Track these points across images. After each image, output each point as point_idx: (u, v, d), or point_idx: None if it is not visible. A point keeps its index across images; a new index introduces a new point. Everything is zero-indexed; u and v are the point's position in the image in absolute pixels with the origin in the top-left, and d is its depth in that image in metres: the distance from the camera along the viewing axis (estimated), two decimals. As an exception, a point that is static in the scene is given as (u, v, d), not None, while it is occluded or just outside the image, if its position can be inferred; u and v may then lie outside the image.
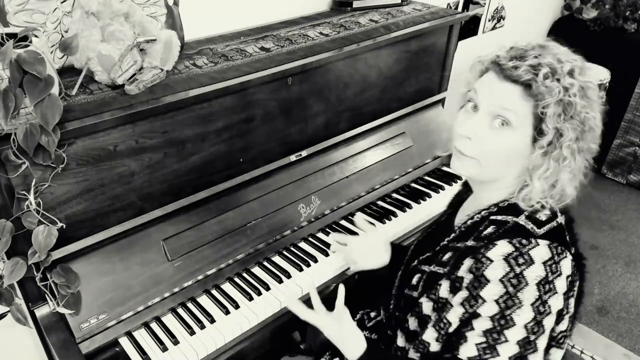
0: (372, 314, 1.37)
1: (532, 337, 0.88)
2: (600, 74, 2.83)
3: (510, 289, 0.87)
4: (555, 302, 0.89)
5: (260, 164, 1.51)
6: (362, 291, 1.50)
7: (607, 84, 2.83)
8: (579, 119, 0.90)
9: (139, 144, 1.25)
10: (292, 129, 1.57)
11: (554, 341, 0.95)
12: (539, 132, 0.91)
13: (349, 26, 1.73)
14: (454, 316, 0.95)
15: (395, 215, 1.68)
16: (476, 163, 0.96)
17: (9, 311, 1.21)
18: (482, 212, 1.00)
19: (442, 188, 1.81)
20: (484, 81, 0.96)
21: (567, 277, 0.90)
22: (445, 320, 0.96)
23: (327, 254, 1.49)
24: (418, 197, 1.76)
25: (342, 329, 1.11)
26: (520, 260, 0.88)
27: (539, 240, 0.90)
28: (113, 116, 1.15)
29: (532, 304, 0.87)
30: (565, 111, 0.89)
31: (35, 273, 1.13)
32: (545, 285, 0.88)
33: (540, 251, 0.89)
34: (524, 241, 0.89)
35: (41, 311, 1.21)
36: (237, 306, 1.33)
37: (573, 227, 0.99)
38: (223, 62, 1.43)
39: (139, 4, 1.36)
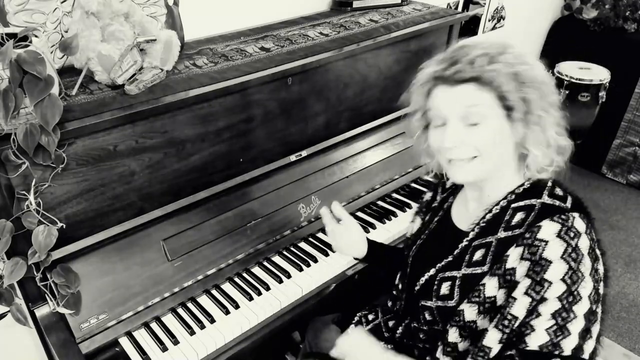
0: (370, 317, 1.35)
1: (594, 307, 0.89)
2: (600, 74, 2.83)
3: (573, 263, 0.88)
4: (601, 268, 0.92)
5: (260, 164, 1.51)
6: (360, 293, 1.50)
7: (607, 84, 2.83)
8: (532, 80, 0.95)
9: (139, 144, 1.25)
10: (292, 129, 1.57)
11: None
12: (508, 109, 0.95)
13: (349, 26, 1.73)
14: (520, 308, 0.91)
15: (395, 215, 1.68)
16: (480, 160, 0.99)
17: (9, 311, 1.21)
18: (501, 203, 1.02)
19: (442, 188, 1.81)
20: (438, 96, 1.00)
21: (597, 241, 0.95)
22: (509, 317, 0.92)
23: (327, 254, 1.49)
24: (418, 197, 1.76)
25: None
26: (571, 234, 0.90)
27: (573, 213, 0.92)
28: (113, 116, 1.15)
29: (590, 274, 0.89)
30: (519, 80, 0.94)
31: (35, 273, 1.13)
32: (592, 253, 0.91)
33: (579, 222, 0.92)
34: (563, 216, 0.91)
35: (41, 311, 1.21)
36: (237, 306, 1.33)
37: (580, 197, 1.02)
38: (223, 62, 1.43)
39: (139, 4, 1.36)
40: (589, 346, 0.89)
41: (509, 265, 0.94)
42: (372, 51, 1.66)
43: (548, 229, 0.91)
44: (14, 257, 1.12)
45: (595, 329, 0.90)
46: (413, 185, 1.84)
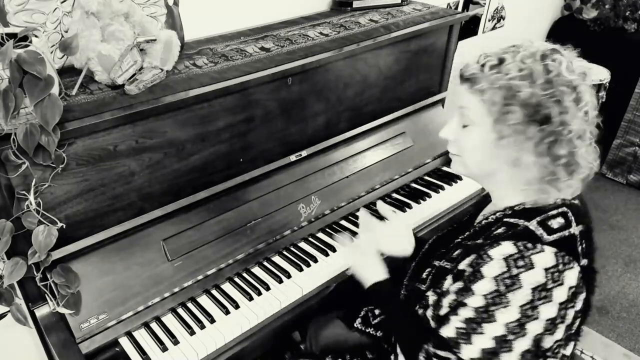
0: (377, 311, 1.37)
1: (511, 337, 0.89)
2: (600, 74, 2.83)
3: (502, 287, 0.89)
4: (548, 310, 0.89)
5: (260, 164, 1.51)
6: (360, 293, 1.50)
7: (607, 84, 2.83)
8: (522, 100, 0.90)
9: (139, 144, 1.25)
10: (292, 129, 1.57)
11: (549, 351, 0.94)
12: (500, 122, 0.93)
13: (349, 26, 1.73)
14: (446, 301, 0.99)
15: (395, 215, 1.68)
16: (460, 160, 1.04)
17: (9, 311, 1.21)
18: (497, 214, 1.03)
19: (442, 188, 1.81)
20: (454, 85, 1.03)
21: (570, 287, 0.90)
22: (440, 304, 1.00)
23: (327, 254, 1.49)
24: (418, 197, 1.76)
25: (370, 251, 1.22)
26: (520, 263, 0.89)
27: (545, 247, 0.90)
28: (113, 116, 1.15)
29: (521, 306, 0.88)
30: (508, 95, 0.91)
31: (35, 273, 1.13)
32: (542, 292, 0.88)
33: (544, 257, 0.89)
34: (529, 245, 0.90)
35: (41, 311, 1.21)
36: (237, 306, 1.33)
37: (592, 237, 0.98)
38: (223, 62, 1.43)
39: (139, 4, 1.36)
40: None
41: (461, 266, 0.98)
42: (372, 51, 1.66)
43: (502, 249, 0.91)
44: (14, 257, 1.12)
45: (506, 359, 0.89)
46: (413, 185, 1.84)
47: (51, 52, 1.26)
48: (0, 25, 1.14)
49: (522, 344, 0.89)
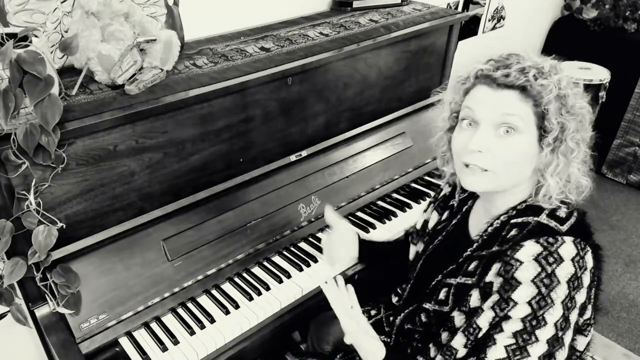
0: (373, 312, 1.37)
1: (561, 334, 0.89)
2: (600, 74, 2.83)
3: (543, 289, 0.88)
4: (580, 297, 0.91)
5: (260, 164, 1.51)
6: (362, 290, 1.50)
7: (607, 84, 2.83)
8: (575, 109, 0.94)
9: (139, 144, 1.25)
10: (292, 129, 1.57)
11: (579, 331, 0.96)
12: (543, 130, 0.93)
13: (349, 26, 1.73)
14: (484, 321, 0.94)
15: (395, 215, 1.68)
16: (492, 175, 0.95)
17: (9, 311, 1.21)
18: (502, 217, 1.00)
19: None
20: (477, 95, 0.96)
21: (591, 270, 0.93)
22: (475, 325, 0.95)
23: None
24: (418, 197, 1.76)
25: (359, 327, 1.10)
26: (551, 259, 0.88)
27: (565, 238, 0.91)
28: (113, 116, 1.15)
29: (563, 302, 0.88)
30: (563, 104, 0.92)
31: (35, 273, 1.13)
32: (575, 282, 0.89)
33: (568, 248, 0.90)
34: (550, 239, 0.90)
35: (41, 311, 1.21)
36: (237, 306, 1.33)
37: (586, 219, 1.00)
38: (223, 62, 1.43)
39: (139, 4, 1.36)
40: None
41: (488, 278, 0.95)
42: (372, 51, 1.66)
43: (528, 250, 0.90)
44: (14, 257, 1.12)
45: (561, 356, 0.89)
46: (413, 185, 1.84)
47: (51, 52, 1.26)
48: (0, 25, 1.14)
49: (569, 336, 0.90)
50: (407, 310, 1.18)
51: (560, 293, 0.88)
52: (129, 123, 1.20)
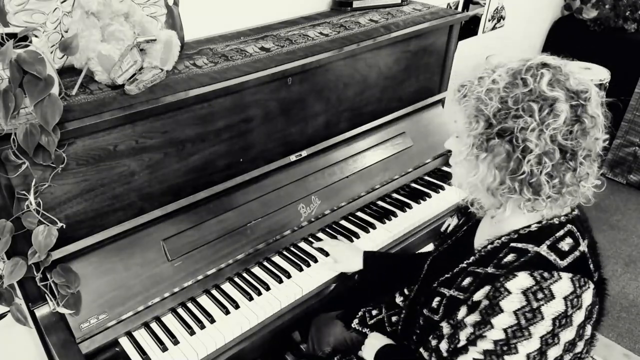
0: (374, 312, 1.37)
1: None
2: (600, 74, 2.83)
3: (523, 321, 0.88)
4: (567, 335, 0.89)
5: (260, 164, 1.51)
6: (362, 290, 1.51)
7: (607, 84, 2.83)
8: (487, 112, 0.89)
9: (139, 144, 1.25)
10: (292, 129, 1.57)
11: None
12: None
13: (349, 26, 1.73)
14: (463, 335, 0.97)
15: (395, 215, 1.68)
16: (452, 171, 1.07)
17: (9, 311, 1.20)
18: (503, 238, 0.99)
19: (442, 188, 1.81)
20: None
21: (587, 307, 0.90)
22: (457, 336, 0.98)
23: (327, 254, 1.49)
24: (418, 197, 1.76)
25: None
26: (540, 295, 0.87)
27: (562, 274, 0.88)
28: (113, 116, 1.15)
29: (542, 337, 0.87)
30: (476, 106, 0.91)
31: (35, 273, 1.13)
32: (562, 320, 0.87)
33: (563, 286, 0.87)
34: (545, 274, 0.88)
35: (41, 311, 1.21)
36: (237, 306, 1.32)
37: (596, 249, 0.98)
38: (223, 62, 1.43)
39: (139, 4, 1.35)
40: None
41: (476, 297, 0.96)
42: (372, 51, 1.66)
43: (519, 281, 0.89)
44: (14, 257, 1.12)
45: None
46: (413, 185, 1.84)
47: (51, 52, 1.26)
48: (0, 25, 1.14)
49: None
50: (408, 313, 1.20)
51: (540, 329, 0.87)
52: (129, 123, 1.20)
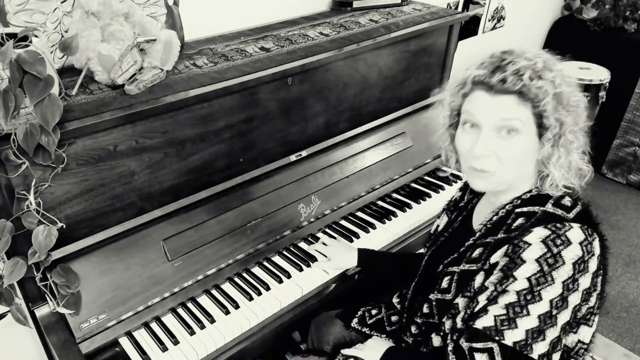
0: (373, 312, 1.38)
1: (555, 312, 0.90)
2: (600, 74, 2.83)
3: (546, 267, 0.90)
4: (584, 281, 0.92)
5: (260, 164, 1.51)
6: (362, 290, 1.51)
7: (607, 84, 2.83)
8: (570, 104, 0.96)
9: (139, 144, 1.25)
10: (292, 129, 1.57)
11: (583, 319, 0.97)
12: (543, 127, 0.96)
13: (349, 26, 1.73)
14: (483, 296, 0.96)
15: (395, 215, 1.68)
16: (499, 176, 1.00)
17: (9, 311, 1.20)
18: (507, 207, 1.03)
19: (442, 188, 1.81)
20: (476, 101, 0.99)
21: (598, 256, 0.94)
22: (476, 300, 0.98)
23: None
24: (418, 197, 1.76)
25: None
26: (558, 242, 0.91)
27: (572, 224, 0.93)
28: (113, 116, 1.15)
29: (564, 282, 0.90)
30: (560, 102, 0.95)
31: (35, 273, 1.13)
32: (581, 265, 0.91)
33: (576, 233, 0.92)
34: (558, 225, 0.93)
35: (41, 311, 1.21)
36: (237, 306, 1.33)
37: (591, 210, 1.02)
38: (223, 62, 1.43)
39: (139, 4, 1.36)
40: (538, 347, 0.90)
41: (493, 260, 0.98)
42: (372, 51, 1.66)
43: (537, 233, 0.93)
44: (14, 257, 1.12)
45: (551, 334, 0.90)
46: (413, 185, 1.84)
47: (51, 52, 1.26)
48: (0, 25, 1.14)
49: (564, 316, 0.91)
50: (410, 307, 1.20)
51: (562, 273, 0.90)
52: (129, 123, 1.20)
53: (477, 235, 1.06)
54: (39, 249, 1.09)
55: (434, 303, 1.10)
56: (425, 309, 1.13)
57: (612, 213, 2.98)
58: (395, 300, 1.36)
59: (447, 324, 1.06)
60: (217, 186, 1.41)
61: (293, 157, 1.57)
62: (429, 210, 1.71)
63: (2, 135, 1.02)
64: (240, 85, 1.34)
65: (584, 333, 1.00)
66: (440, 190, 1.80)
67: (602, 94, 2.82)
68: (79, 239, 1.20)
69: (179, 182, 1.36)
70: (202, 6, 1.61)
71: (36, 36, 1.07)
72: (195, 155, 1.37)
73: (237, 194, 1.45)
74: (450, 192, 1.79)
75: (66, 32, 1.28)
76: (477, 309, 0.97)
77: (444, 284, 1.08)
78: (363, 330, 1.35)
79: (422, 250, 1.32)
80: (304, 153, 1.59)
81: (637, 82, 2.98)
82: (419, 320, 1.15)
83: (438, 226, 1.27)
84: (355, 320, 1.37)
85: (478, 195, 1.19)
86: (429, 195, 1.78)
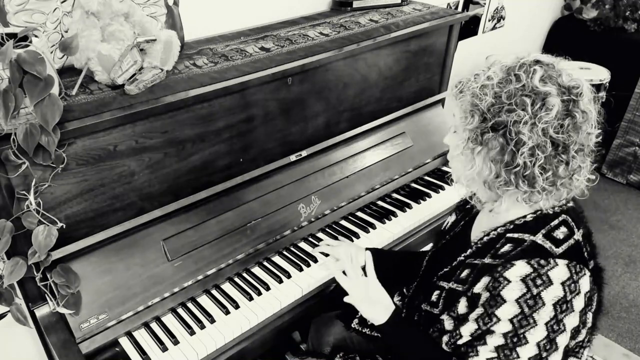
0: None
1: (544, 354, 0.89)
2: (600, 74, 2.83)
3: (526, 309, 0.89)
4: (571, 321, 0.90)
5: (260, 164, 1.51)
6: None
7: (607, 84, 2.83)
8: (482, 106, 0.92)
9: (139, 144, 1.25)
10: (292, 129, 1.57)
11: (571, 352, 0.97)
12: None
13: (349, 26, 1.73)
14: (466, 330, 0.97)
15: (395, 215, 1.67)
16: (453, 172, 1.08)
17: (9, 311, 1.20)
18: (498, 229, 1.01)
19: (442, 188, 1.81)
20: None
21: (586, 293, 0.92)
22: (458, 332, 0.98)
23: (327, 254, 1.49)
24: (418, 197, 1.76)
25: (368, 292, 1.17)
26: (538, 282, 0.89)
27: (558, 260, 0.90)
28: (113, 116, 1.15)
29: (547, 323, 0.88)
30: (472, 100, 0.94)
31: (35, 273, 1.13)
32: (563, 305, 0.89)
33: (559, 272, 0.90)
34: (542, 262, 0.90)
35: (41, 311, 1.21)
36: (237, 306, 1.33)
37: (592, 239, 0.99)
38: (223, 62, 1.43)
39: (139, 4, 1.36)
40: None
41: (476, 290, 0.97)
42: (372, 51, 1.66)
43: (517, 270, 0.91)
44: (14, 257, 1.12)
45: None
46: (413, 185, 1.84)
47: (51, 52, 1.26)
48: (0, 25, 1.14)
49: (555, 357, 0.90)
50: (408, 309, 1.20)
51: (544, 315, 0.88)
52: (129, 123, 1.20)
53: (468, 252, 1.06)
54: (39, 249, 1.09)
55: (422, 314, 1.12)
56: (415, 317, 1.15)
57: (612, 213, 2.98)
58: (396, 299, 1.36)
59: (435, 337, 1.07)
60: (217, 186, 1.41)
61: (293, 157, 1.57)
62: (429, 210, 1.71)
63: (2, 135, 1.02)
64: (240, 85, 1.34)
65: None
66: (440, 190, 1.80)
67: (602, 94, 2.82)
68: (79, 239, 1.20)
69: (179, 182, 1.36)
70: (202, 6, 1.61)
71: (36, 36, 1.07)
72: (195, 155, 1.37)
73: (237, 194, 1.45)
74: (451, 191, 1.79)
75: (66, 32, 1.28)
76: (460, 341, 0.98)
77: (434, 297, 1.09)
78: (363, 331, 1.35)
79: (426, 249, 1.32)
80: (304, 153, 1.59)
81: (637, 82, 2.98)
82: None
83: (447, 223, 1.27)
84: (356, 320, 1.37)
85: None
86: (429, 195, 1.78)
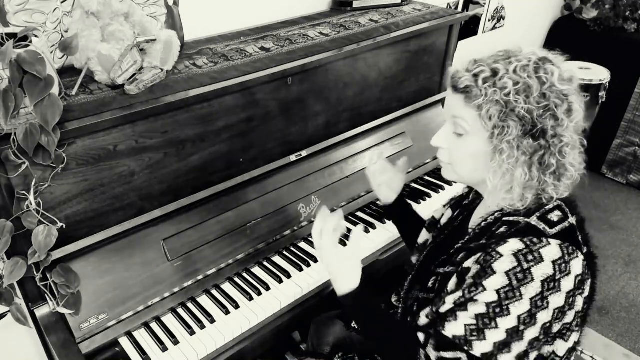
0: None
1: (522, 328, 0.90)
2: (600, 74, 2.83)
3: (515, 282, 0.90)
4: (556, 300, 0.91)
5: (260, 164, 1.51)
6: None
7: (607, 84, 2.83)
8: (520, 115, 0.91)
9: (139, 144, 1.25)
10: (292, 129, 1.57)
11: (558, 333, 0.97)
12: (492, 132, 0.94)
13: (349, 26, 1.73)
14: (450, 298, 0.97)
15: (395, 215, 1.67)
16: (451, 168, 1.05)
17: (9, 311, 1.20)
18: (496, 214, 1.03)
19: (442, 188, 1.81)
20: (447, 93, 1.02)
21: (577, 276, 0.93)
22: (443, 301, 0.99)
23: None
24: (418, 197, 1.76)
25: (341, 263, 1.09)
26: (530, 257, 0.90)
27: (551, 240, 0.92)
28: (113, 116, 1.15)
29: (532, 298, 0.89)
30: (506, 109, 0.91)
31: (35, 273, 1.13)
32: (551, 283, 0.90)
33: (551, 250, 0.91)
34: (535, 240, 0.92)
35: (41, 311, 1.21)
36: (237, 306, 1.33)
37: (584, 226, 1.01)
38: (223, 62, 1.43)
39: (139, 4, 1.36)
40: (504, 359, 0.91)
41: (466, 264, 0.98)
42: (372, 51, 1.66)
43: (510, 245, 0.92)
44: (14, 257, 1.12)
45: (517, 347, 0.91)
46: (413, 185, 1.84)
47: (51, 52, 1.26)
48: (0, 25, 1.14)
49: (532, 332, 0.91)
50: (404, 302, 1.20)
51: (531, 290, 0.89)
52: (129, 123, 1.20)
53: (466, 239, 1.07)
54: (39, 249, 1.09)
55: (416, 303, 1.13)
56: (415, 307, 1.15)
57: (612, 213, 2.98)
58: (394, 299, 1.36)
59: (421, 322, 1.07)
60: (217, 186, 1.41)
61: (293, 157, 1.57)
62: (429, 210, 1.69)
63: (2, 135, 1.02)
64: (240, 85, 1.34)
65: (559, 346, 1.00)
66: (440, 190, 1.80)
67: (602, 94, 2.82)
68: (79, 239, 1.20)
69: (179, 182, 1.36)
70: (202, 6, 1.61)
71: (36, 36, 1.07)
72: (195, 155, 1.37)
73: (237, 194, 1.45)
74: (451, 191, 1.79)
75: (66, 32, 1.28)
76: (443, 309, 0.98)
77: (430, 283, 1.10)
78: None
79: (423, 235, 1.31)
80: (304, 153, 1.59)
81: (637, 82, 2.98)
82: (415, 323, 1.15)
83: (442, 215, 1.28)
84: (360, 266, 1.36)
85: (480, 197, 1.19)
86: (429, 195, 1.78)
